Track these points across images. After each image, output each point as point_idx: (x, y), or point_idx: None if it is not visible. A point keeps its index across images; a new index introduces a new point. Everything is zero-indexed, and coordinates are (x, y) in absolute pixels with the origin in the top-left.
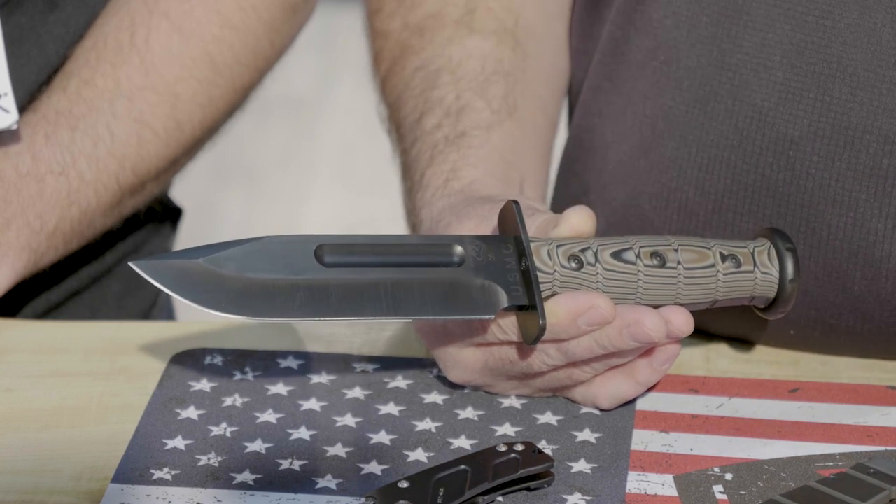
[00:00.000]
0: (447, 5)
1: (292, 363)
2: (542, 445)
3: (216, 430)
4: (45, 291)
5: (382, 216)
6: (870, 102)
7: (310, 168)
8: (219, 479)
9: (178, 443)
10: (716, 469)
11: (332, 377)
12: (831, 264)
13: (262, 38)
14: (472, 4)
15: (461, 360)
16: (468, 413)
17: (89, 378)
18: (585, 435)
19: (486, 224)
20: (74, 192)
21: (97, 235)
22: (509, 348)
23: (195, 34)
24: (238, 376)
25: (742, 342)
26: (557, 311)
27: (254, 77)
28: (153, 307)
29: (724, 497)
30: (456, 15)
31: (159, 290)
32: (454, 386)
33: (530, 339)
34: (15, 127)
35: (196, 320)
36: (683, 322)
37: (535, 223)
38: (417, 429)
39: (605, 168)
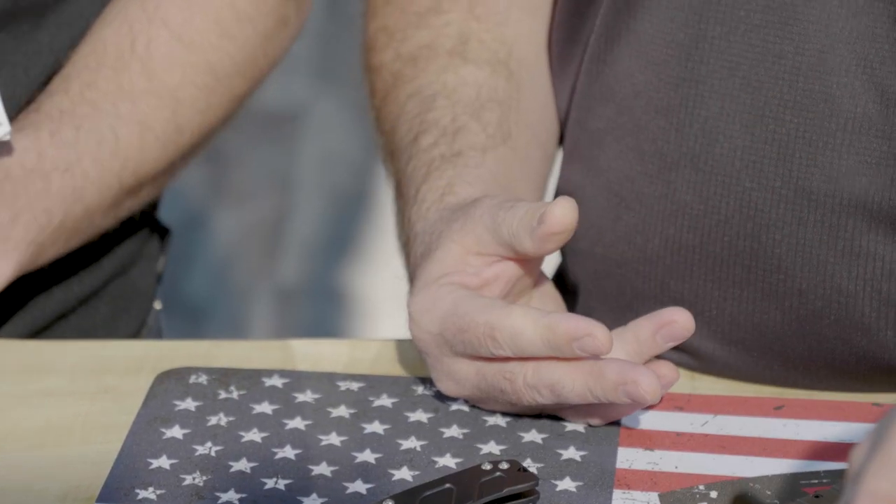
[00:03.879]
0: (439, 37)
1: (277, 382)
2: (527, 463)
3: (201, 450)
4: (31, 313)
5: (369, 231)
6: (829, 166)
7: (295, 184)
8: (204, 498)
9: (163, 462)
10: (701, 487)
11: (316, 396)
12: (804, 322)
13: (258, 48)
14: (464, 36)
15: (454, 373)
16: (453, 431)
17: (75, 397)
18: (570, 453)
19: (470, 223)
20: (79, 190)
21: (95, 235)
22: (502, 379)
23: (195, 43)
24: (223, 395)
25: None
26: (556, 327)
27: (249, 86)
28: (142, 328)
29: None
30: (449, 45)
31: (148, 312)
32: (439, 404)
33: None
34: (7, 138)
35: (181, 340)
36: (673, 376)
37: (518, 215)
38: (402, 447)
39: (582, 224)
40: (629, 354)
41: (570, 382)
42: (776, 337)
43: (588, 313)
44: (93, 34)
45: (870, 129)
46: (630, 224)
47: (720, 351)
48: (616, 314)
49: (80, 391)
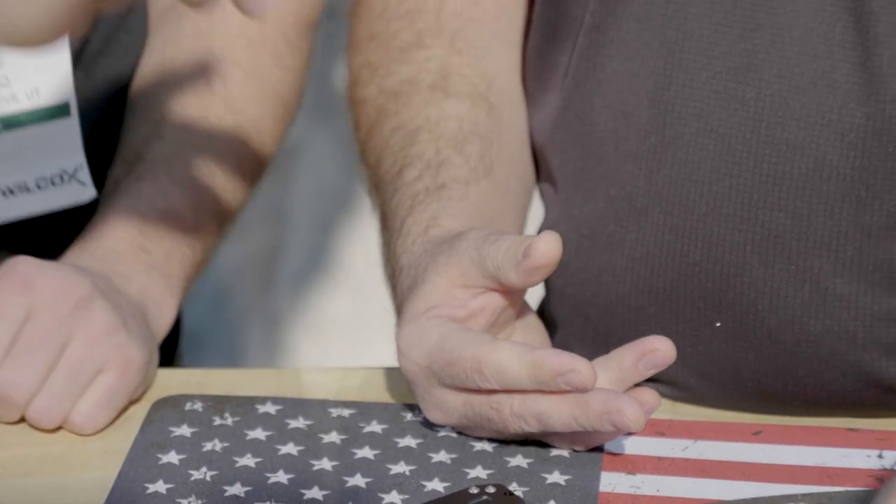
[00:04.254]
0: (421, 72)
1: (270, 408)
2: (514, 487)
3: (196, 475)
4: None
5: (359, 263)
6: (795, 210)
7: (288, 218)
8: None
9: (160, 487)
10: None
11: (308, 422)
12: (776, 361)
13: (304, 74)
14: (445, 70)
15: (442, 403)
16: (441, 456)
17: None
18: (555, 477)
19: (455, 257)
20: (202, 226)
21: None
22: (489, 409)
23: (264, 77)
24: (217, 421)
25: None
26: (542, 363)
27: (297, 113)
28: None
29: None
30: (430, 80)
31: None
32: (428, 430)
33: None
34: (91, 199)
35: (177, 368)
36: (655, 403)
37: (503, 248)
38: (392, 472)
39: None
40: (612, 382)
41: (556, 412)
42: (750, 374)
43: (566, 348)
44: (164, 75)
45: (831, 174)
46: (601, 266)
47: (697, 384)
48: (592, 350)
49: None
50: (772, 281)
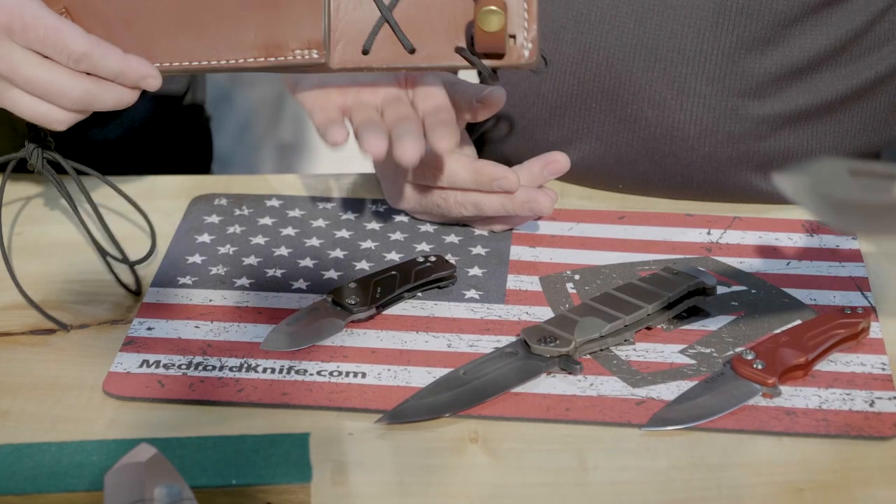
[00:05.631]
0: None
1: (275, 203)
2: (449, 257)
3: (223, 250)
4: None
5: None
6: (672, 30)
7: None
8: (225, 283)
9: (196, 259)
10: (568, 272)
11: (303, 212)
12: (647, 145)
13: None
14: None
15: (403, 194)
16: (397, 236)
17: (137, 212)
18: (478, 250)
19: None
20: None
21: None
22: (439, 196)
23: None
24: (237, 212)
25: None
26: (482, 171)
27: None
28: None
29: (574, 291)
30: None
31: None
32: (387, 217)
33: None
34: None
35: (208, 175)
36: (553, 197)
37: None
38: (362, 247)
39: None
40: (525, 182)
41: (489, 201)
42: (630, 156)
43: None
44: None
45: (700, 4)
46: (530, 78)
47: (590, 164)
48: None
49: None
50: (651, 82)
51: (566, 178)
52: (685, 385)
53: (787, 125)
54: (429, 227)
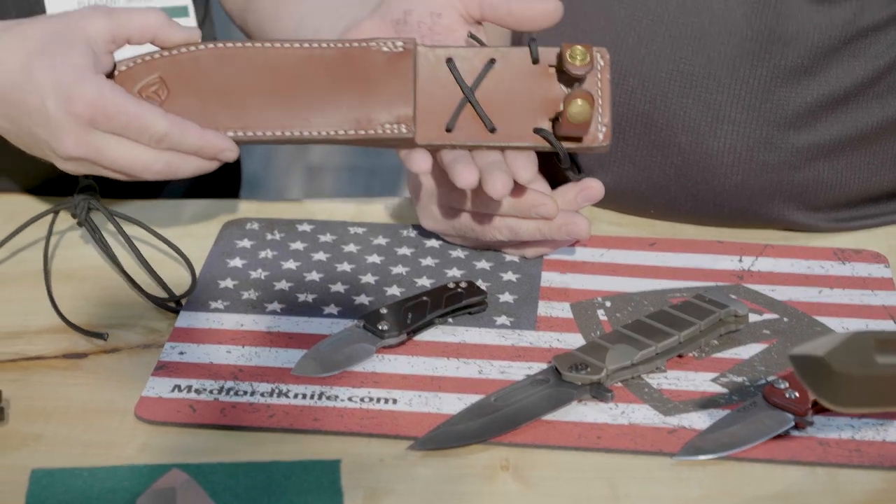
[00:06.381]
0: None
1: (306, 227)
2: (480, 283)
3: (254, 274)
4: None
5: None
6: (708, 57)
7: None
8: (256, 307)
9: (228, 283)
10: (599, 299)
11: (334, 237)
12: (680, 171)
13: None
14: None
15: (435, 215)
16: (428, 261)
17: (170, 238)
18: (509, 276)
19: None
20: None
21: None
22: (471, 220)
23: None
24: (269, 237)
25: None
26: (521, 196)
27: None
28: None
29: (605, 318)
30: None
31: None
32: (418, 242)
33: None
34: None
35: (240, 200)
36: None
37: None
38: (393, 272)
39: None
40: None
41: (524, 225)
42: (662, 180)
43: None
44: None
45: (736, 32)
46: None
47: (621, 186)
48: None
49: (170, 234)
50: (685, 108)
51: (597, 203)
52: (717, 414)
53: (822, 155)
54: (460, 253)
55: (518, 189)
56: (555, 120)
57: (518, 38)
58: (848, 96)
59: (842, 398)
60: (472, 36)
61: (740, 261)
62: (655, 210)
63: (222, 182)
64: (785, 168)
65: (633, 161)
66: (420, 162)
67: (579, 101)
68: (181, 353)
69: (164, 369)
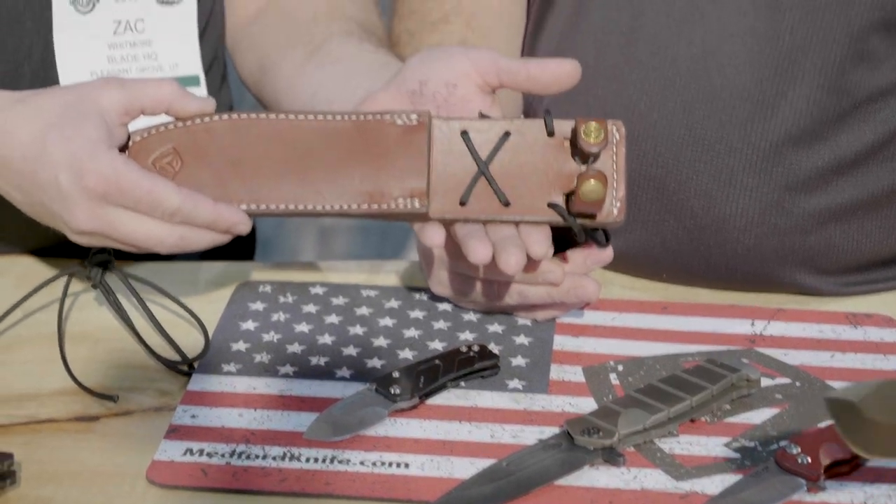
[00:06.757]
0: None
1: (319, 290)
2: (492, 347)
3: (267, 337)
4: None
5: None
6: (720, 121)
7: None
8: (269, 370)
9: (241, 346)
10: (611, 363)
11: (346, 300)
12: (693, 235)
13: None
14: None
15: (446, 281)
16: (440, 325)
17: (182, 299)
18: (521, 339)
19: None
20: None
21: None
22: (482, 286)
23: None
24: (281, 299)
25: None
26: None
27: None
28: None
29: (617, 382)
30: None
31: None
32: (430, 305)
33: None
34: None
35: (253, 262)
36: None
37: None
38: (406, 335)
39: None
40: (568, 271)
41: (534, 290)
42: (673, 245)
43: None
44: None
45: (748, 97)
46: None
47: (633, 250)
48: None
49: (184, 296)
50: (698, 172)
51: (610, 266)
52: (729, 479)
53: (834, 220)
54: (472, 317)
55: (531, 262)
56: (570, 194)
57: (529, 100)
58: (858, 160)
59: (872, 446)
60: (482, 115)
61: (752, 325)
62: (668, 274)
63: (237, 244)
64: (796, 232)
65: (646, 225)
66: (433, 236)
67: (592, 182)
68: (193, 416)
69: (176, 433)
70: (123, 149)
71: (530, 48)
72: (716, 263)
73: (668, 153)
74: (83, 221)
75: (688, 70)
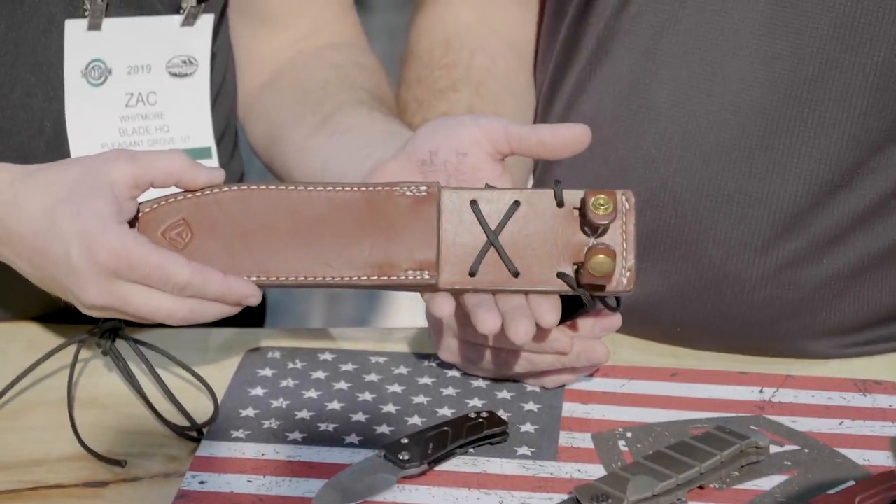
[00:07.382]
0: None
1: (328, 356)
2: (500, 413)
3: (275, 403)
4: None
5: None
6: (740, 173)
7: None
8: (277, 437)
9: (249, 412)
10: (620, 429)
11: (355, 366)
12: (709, 284)
13: None
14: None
15: (454, 349)
16: (449, 391)
17: (191, 365)
18: (530, 406)
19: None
20: None
21: None
22: (490, 354)
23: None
24: (290, 366)
25: (638, 338)
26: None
27: None
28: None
29: (626, 449)
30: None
31: None
32: (439, 372)
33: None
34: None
35: (262, 329)
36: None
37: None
38: (414, 402)
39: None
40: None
41: (542, 356)
42: (690, 296)
43: None
44: None
45: (766, 148)
46: None
47: (648, 301)
48: None
49: (194, 362)
50: (717, 224)
51: (624, 320)
52: None
53: (849, 273)
54: (481, 383)
55: (540, 331)
56: (579, 265)
57: (537, 165)
58: (876, 209)
59: None
60: (489, 186)
61: (761, 392)
62: (682, 328)
63: (248, 311)
64: (812, 284)
65: (664, 275)
66: (443, 307)
67: (601, 257)
68: (202, 482)
69: (185, 498)
70: (133, 221)
71: (546, 103)
72: (732, 315)
73: (686, 204)
74: (94, 296)
75: (707, 121)
